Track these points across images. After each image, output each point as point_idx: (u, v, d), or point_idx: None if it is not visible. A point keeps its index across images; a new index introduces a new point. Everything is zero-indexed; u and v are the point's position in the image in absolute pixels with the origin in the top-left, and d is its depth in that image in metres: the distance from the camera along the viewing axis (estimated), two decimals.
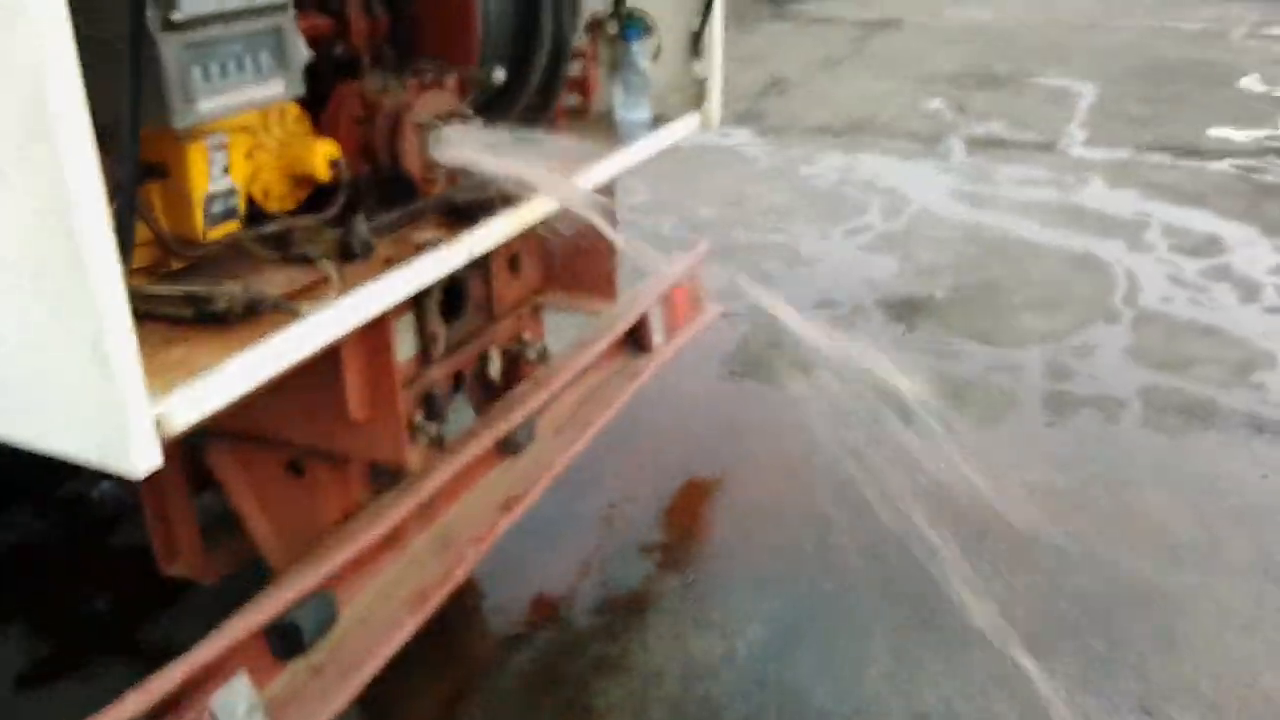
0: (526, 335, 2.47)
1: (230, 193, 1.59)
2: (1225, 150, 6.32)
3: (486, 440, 2.18)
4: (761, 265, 4.61)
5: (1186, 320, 4.02)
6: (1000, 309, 4.14)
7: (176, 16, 1.34)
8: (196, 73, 1.40)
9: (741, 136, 6.76)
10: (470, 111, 1.87)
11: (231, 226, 1.62)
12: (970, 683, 2.29)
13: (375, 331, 1.67)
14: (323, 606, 1.81)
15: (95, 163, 1.08)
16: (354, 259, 1.69)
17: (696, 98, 2.77)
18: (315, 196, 1.81)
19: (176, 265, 1.61)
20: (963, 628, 2.39)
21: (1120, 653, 2.37)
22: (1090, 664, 2.34)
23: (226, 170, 1.57)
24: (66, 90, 1.04)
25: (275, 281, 1.63)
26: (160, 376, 1.30)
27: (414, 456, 1.88)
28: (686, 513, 2.97)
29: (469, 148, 1.87)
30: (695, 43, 2.69)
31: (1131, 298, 4.23)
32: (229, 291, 1.51)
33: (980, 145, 6.54)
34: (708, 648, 2.40)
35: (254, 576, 2.26)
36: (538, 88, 2.17)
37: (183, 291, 1.53)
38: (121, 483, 2.96)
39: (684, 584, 2.63)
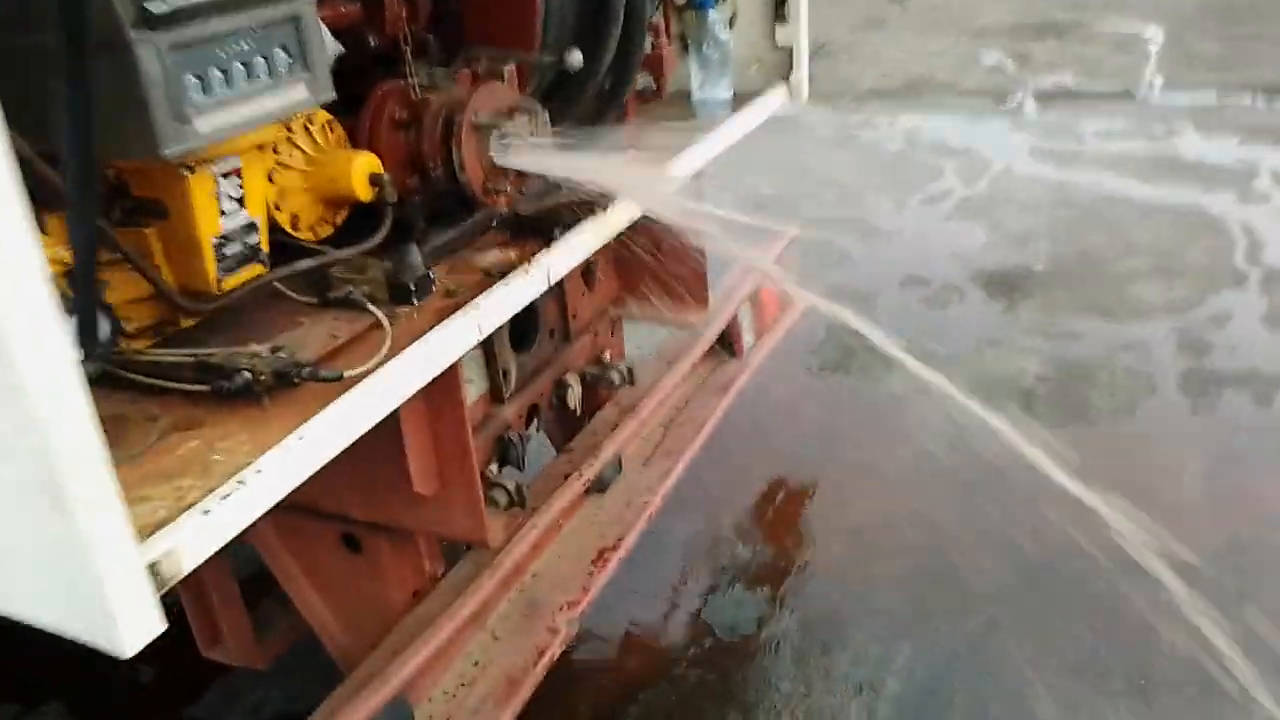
0: (607, 355, 2.13)
1: (248, 229, 1.27)
2: None
3: (574, 488, 1.85)
4: (836, 242, 4.23)
5: None
6: (1109, 279, 3.72)
7: (157, 7, 1.01)
8: (190, 82, 1.07)
9: (792, 104, 6.35)
10: (536, 105, 1.52)
11: (253, 271, 1.29)
12: None
13: (441, 387, 1.34)
14: (397, 713, 1.50)
15: (23, 222, 0.75)
16: (409, 299, 1.36)
17: (781, 68, 2.41)
18: (354, 220, 1.49)
19: (187, 323, 1.29)
20: (1147, 675, 2.04)
21: None
22: None
23: (241, 202, 1.24)
24: None
25: (314, 336, 1.31)
26: (164, 488, 0.99)
27: (495, 529, 1.55)
28: (788, 533, 2.62)
29: (537, 148, 1.53)
30: (779, 5, 2.32)
31: (1255, 256, 3.80)
32: (252, 357, 1.19)
33: (1051, 99, 6.07)
34: (839, 710, 2.06)
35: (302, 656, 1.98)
36: (609, 70, 1.82)
37: (194, 358, 1.21)
38: None
39: (799, 625, 2.29)
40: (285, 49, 1.18)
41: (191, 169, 1.15)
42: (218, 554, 1.57)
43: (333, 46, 1.30)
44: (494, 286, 1.40)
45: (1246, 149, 4.89)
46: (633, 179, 1.70)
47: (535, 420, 2.00)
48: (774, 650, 2.22)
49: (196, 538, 0.95)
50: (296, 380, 1.17)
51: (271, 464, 1.04)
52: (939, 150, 5.29)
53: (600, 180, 1.58)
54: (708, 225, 1.72)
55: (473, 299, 1.37)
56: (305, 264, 1.37)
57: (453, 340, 1.30)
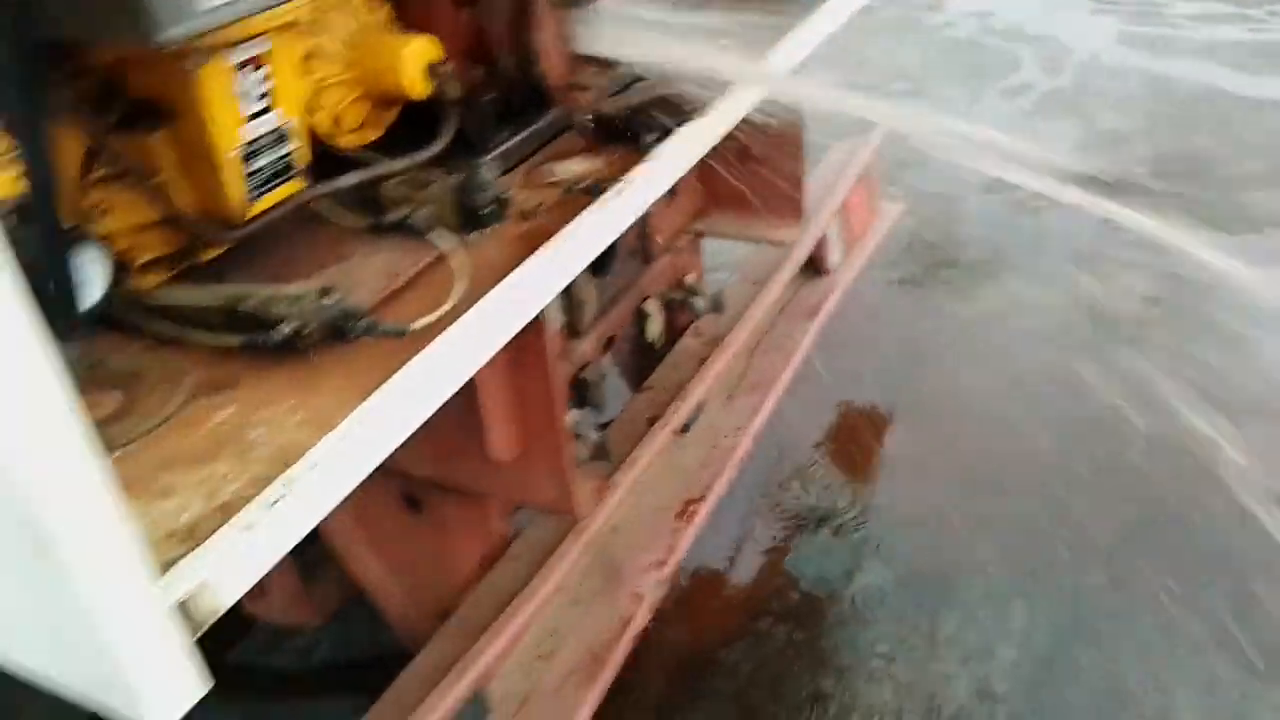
0: (689, 278, 1.85)
1: (280, 135, 0.99)
2: None
3: (661, 438, 1.60)
4: (908, 143, 3.86)
5: None
6: (1222, 185, 3.36)
7: None
8: None
9: None
10: None
11: (289, 189, 1.02)
12: None
13: (525, 336, 1.07)
14: (473, 713, 1.29)
15: None
16: (481, 225, 1.08)
17: None
18: (405, 121, 1.20)
19: (210, 254, 1.03)
20: None
21: None
22: None
23: (269, 101, 0.96)
24: None
25: (367, 271, 1.04)
26: (192, 476, 0.75)
27: (583, 496, 1.30)
28: (876, 471, 2.37)
29: (626, 29, 1.23)
30: None
31: None
32: (295, 301, 0.92)
33: None
34: (950, 680, 1.84)
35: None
36: None
37: (222, 301, 0.95)
38: None
39: (896, 579, 2.06)
40: None
41: (205, 57, 0.86)
42: None
43: None
44: (586, 210, 1.11)
45: None
46: (747, 67, 1.40)
47: (609, 352, 1.74)
48: (869, 607, 2.00)
49: (236, 560, 0.70)
50: (352, 335, 0.90)
51: (329, 456, 0.78)
52: (1014, 36, 4.84)
53: (709, 68, 1.29)
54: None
55: (561, 226, 1.09)
56: (351, 179, 1.09)
57: (541, 280, 1.03)
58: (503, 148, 1.27)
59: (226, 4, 0.80)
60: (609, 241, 1.14)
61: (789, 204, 1.83)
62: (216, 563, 0.70)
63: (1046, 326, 2.79)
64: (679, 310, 1.82)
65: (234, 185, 0.94)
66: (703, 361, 1.80)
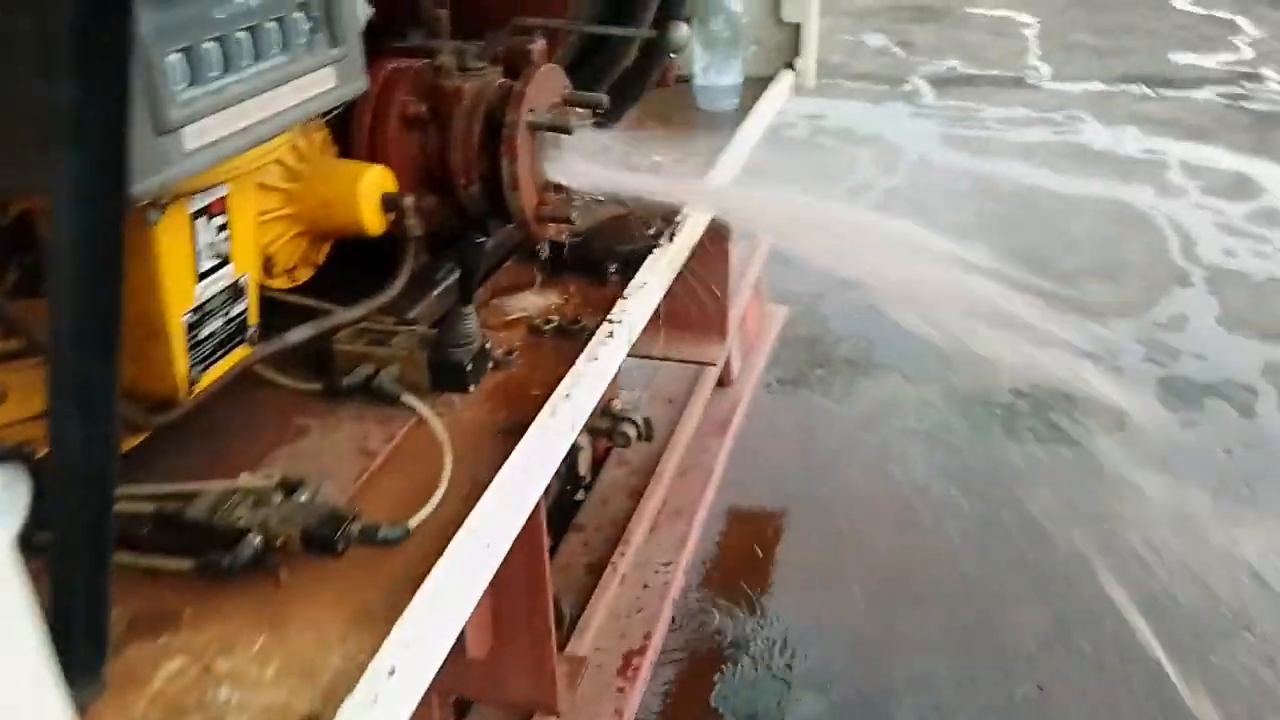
0: (616, 403, 1.73)
1: (233, 295, 0.81)
2: (1201, 78, 5.93)
3: (611, 587, 1.45)
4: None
5: (1265, 277, 3.53)
6: (1059, 278, 3.56)
7: None
8: (174, 65, 0.61)
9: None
10: (603, 98, 1.10)
11: (237, 356, 0.84)
12: None
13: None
14: None
15: None
16: (463, 384, 0.93)
17: (785, 50, 2.05)
18: (337, 257, 1.04)
19: (132, 442, 0.82)
20: None
21: None
22: None
23: (225, 253, 0.78)
24: None
25: (333, 449, 0.86)
26: None
27: (564, 688, 1.13)
28: (785, 588, 2.29)
29: (596, 155, 1.12)
30: None
31: (1191, 253, 3.73)
32: (256, 503, 0.74)
33: (946, 84, 5.98)
34: None
35: None
36: (644, 46, 1.41)
37: (157, 506, 0.75)
38: None
39: (832, 708, 1.96)
40: (307, 10, 0.73)
41: (162, 210, 0.68)
42: None
43: (365, 9, 0.85)
44: (581, 362, 0.98)
45: (1150, 140, 4.88)
46: (695, 185, 1.31)
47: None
48: None
49: None
50: (341, 546, 0.73)
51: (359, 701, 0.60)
52: (847, 137, 5.07)
53: (660, 190, 1.19)
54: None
55: (539, 375, 0.95)
56: (302, 333, 0.91)
57: (548, 448, 0.88)
58: (444, 283, 1.13)
59: (212, 146, 0.63)
60: (601, 393, 1.01)
61: (715, 321, 1.75)
62: None
63: (926, 424, 2.82)
64: (610, 439, 1.69)
65: (180, 356, 0.75)
66: (632, 493, 1.68)
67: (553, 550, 1.58)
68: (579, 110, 1.09)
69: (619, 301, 1.09)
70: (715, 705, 1.97)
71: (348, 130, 1.04)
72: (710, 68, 1.87)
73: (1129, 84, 5.84)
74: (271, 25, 0.69)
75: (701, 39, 1.85)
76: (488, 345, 0.95)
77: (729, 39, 1.84)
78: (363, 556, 0.74)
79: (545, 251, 1.19)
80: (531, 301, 1.16)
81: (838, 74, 6.18)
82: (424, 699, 1.17)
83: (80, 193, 0.36)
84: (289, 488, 0.77)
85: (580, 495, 1.72)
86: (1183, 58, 6.34)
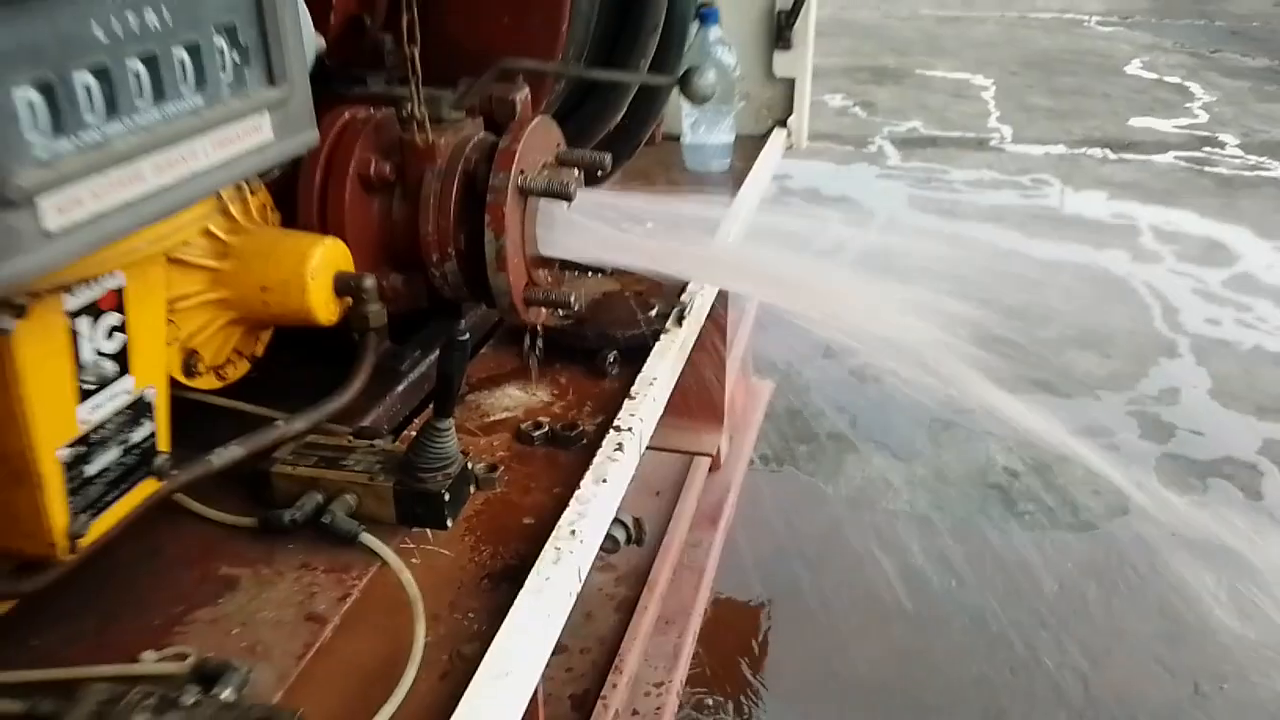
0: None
1: (136, 413, 0.60)
2: (1161, 142, 5.96)
3: None
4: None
5: (1252, 346, 3.44)
6: (1043, 347, 3.44)
7: None
8: (28, 106, 0.41)
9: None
10: (605, 157, 0.92)
11: (140, 494, 0.62)
12: None
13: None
14: None
15: None
16: (440, 519, 0.72)
17: (777, 108, 1.90)
18: (283, 346, 0.84)
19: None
20: None
21: None
22: None
23: (121, 362, 0.57)
24: None
25: (267, 613, 0.65)
26: None
27: None
28: (776, 690, 2.08)
29: (591, 224, 0.93)
30: (783, 28, 1.80)
31: (1174, 321, 3.63)
32: (163, 701, 0.53)
33: (909, 144, 5.95)
34: None
35: None
36: (636, 102, 1.24)
37: (22, 708, 0.54)
38: None
39: None
40: (231, 35, 0.54)
41: (21, 312, 0.48)
42: None
43: (312, 40, 0.65)
44: (587, 485, 0.78)
45: (1119, 204, 4.84)
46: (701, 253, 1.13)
47: None
48: None
49: None
50: None
51: None
52: (814, 198, 4.98)
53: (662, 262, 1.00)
54: None
55: (531, 498, 0.76)
56: (231, 454, 0.70)
57: (551, 607, 0.67)
58: (408, 377, 0.93)
59: (90, 221, 0.43)
60: (609, 522, 0.81)
61: (712, 408, 1.56)
62: None
63: (918, 507, 2.65)
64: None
65: (57, 504, 0.54)
66: (620, 605, 1.46)
67: None
68: (572, 173, 0.91)
69: (626, 402, 0.90)
70: None
71: (292, 194, 0.84)
72: (700, 124, 1.71)
73: (1091, 147, 5.85)
74: (180, 53, 0.50)
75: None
76: (469, 467, 0.74)
77: (721, 94, 1.68)
78: None
79: (531, 338, 0.99)
80: (516, 398, 0.97)
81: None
82: None
83: None
84: (206, 676, 0.56)
85: None
86: (1140, 122, 6.38)
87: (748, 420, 2.23)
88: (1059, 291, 3.88)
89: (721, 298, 1.49)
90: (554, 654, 1.34)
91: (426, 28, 0.95)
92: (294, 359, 0.86)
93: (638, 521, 1.51)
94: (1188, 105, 6.84)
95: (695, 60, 1.64)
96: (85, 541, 0.57)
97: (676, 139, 1.71)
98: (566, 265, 0.95)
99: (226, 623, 0.64)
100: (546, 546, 0.71)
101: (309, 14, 0.71)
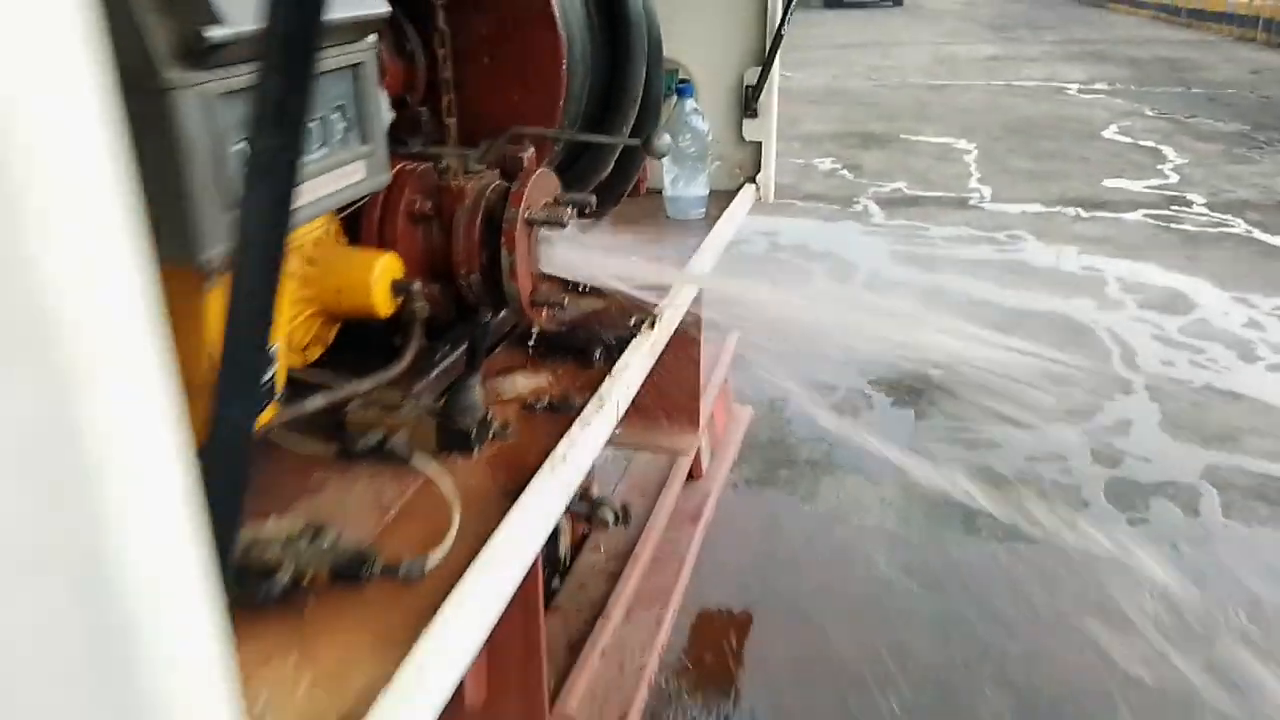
0: (593, 489, 1.81)
1: (268, 358, 0.90)
2: (1132, 201, 6.30)
3: (590, 661, 1.50)
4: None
5: (1202, 385, 3.73)
6: (1003, 385, 3.72)
7: (215, 33, 0.66)
8: (239, 150, 0.72)
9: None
10: (591, 198, 1.23)
11: (267, 414, 0.92)
12: None
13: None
14: None
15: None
16: (468, 447, 1.01)
17: (747, 166, 2.22)
18: (349, 336, 1.14)
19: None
20: None
21: None
22: None
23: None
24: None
25: (350, 503, 0.94)
26: None
27: None
28: (763, 683, 2.33)
29: (583, 249, 1.24)
30: (750, 100, 2.13)
31: (1131, 362, 3.92)
32: (287, 545, 0.81)
33: (894, 204, 6.30)
34: None
35: None
36: (622, 156, 1.56)
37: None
38: None
39: None
40: (343, 111, 0.85)
41: (215, 280, 0.78)
42: None
43: (386, 114, 0.97)
44: (574, 429, 1.07)
45: (1087, 258, 5.16)
46: (698, 279, 1.44)
47: None
48: None
49: None
50: (364, 576, 0.80)
51: (391, 707, 0.67)
52: (802, 252, 5.30)
53: (643, 279, 1.31)
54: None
55: (534, 445, 1.05)
56: (318, 401, 1.00)
57: (546, 507, 0.96)
58: (441, 365, 1.23)
59: None
60: (592, 462, 1.10)
61: (687, 414, 1.85)
62: None
63: (886, 523, 2.91)
64: (589, 523, 1.76)
65: None
66: (609, 578, 1.74)
67: None
68: (567, 209, 1.21)
69: (606, 380, 1.19)
70: None
71: (356, 223, 1.15)
72: (679, 180, 2.02)
73: (1065, 206, 6.20)
74: (315, 124, 0.80)
75: (672, 154, 2.01)
76: (489, 415, 1.04)
77: (696, 154, 2.01)
78: (383, 591, 0.82)
79: (535, 338, 1.29)
80: (523, 383, 1.26)
81: (790, 194, 6.49)
82: None
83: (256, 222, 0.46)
84: (316, 533, 0.85)
85: (557, 583, 1.78)
86: (1113, 183, 6.74)
87: (728, 438, 2.51)
88: (1024, 335, 4.17)
89: (696, 322, 1.79)
90: (551, 614, 1.61)
91: (455, 103, 1.28)
92: (350, 350, 1.15)
93: (625, 508, 1.79)
94: (1159, 167, 7.21)
95: (674, 127, 1.97)
96: None
97: (659, 192, 2.02)
98: (564, 280, 1.25)
99: (321, 507, 0.93)
100: (544, 465, 0.99)
101: (386, 97, 1.02)
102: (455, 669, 0.77)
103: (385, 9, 0.88)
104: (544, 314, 1.21)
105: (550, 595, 1.72)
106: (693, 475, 2.30)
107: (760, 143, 2.18)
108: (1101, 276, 4.90)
